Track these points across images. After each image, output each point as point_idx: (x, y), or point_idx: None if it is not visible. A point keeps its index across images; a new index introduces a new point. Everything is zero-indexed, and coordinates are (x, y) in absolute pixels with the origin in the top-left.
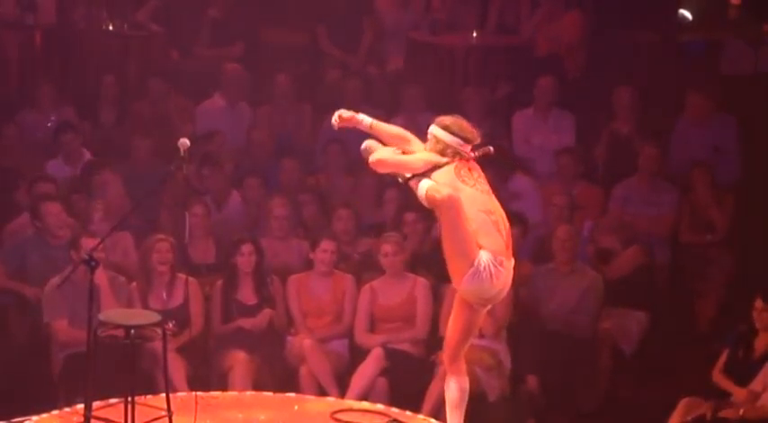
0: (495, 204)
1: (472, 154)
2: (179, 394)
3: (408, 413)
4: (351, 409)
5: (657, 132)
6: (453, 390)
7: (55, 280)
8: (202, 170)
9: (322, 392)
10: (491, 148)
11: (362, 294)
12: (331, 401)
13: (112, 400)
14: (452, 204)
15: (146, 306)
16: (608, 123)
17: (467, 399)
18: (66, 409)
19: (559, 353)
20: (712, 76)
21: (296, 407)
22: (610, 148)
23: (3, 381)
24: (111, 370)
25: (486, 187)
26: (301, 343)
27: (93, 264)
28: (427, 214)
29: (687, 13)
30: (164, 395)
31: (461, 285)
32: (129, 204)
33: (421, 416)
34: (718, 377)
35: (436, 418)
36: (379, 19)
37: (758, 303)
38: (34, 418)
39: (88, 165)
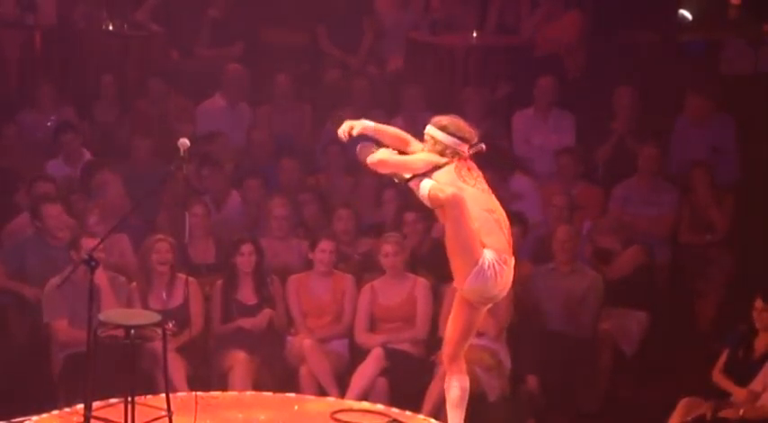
0: (495, 203)
1: (468, 151)
2: (179, 394)
3: (408, 413)
4: (351, 410)
5: (657, 132)
6: (454, 389)
7: (55, 280)
8: (202, 170)
9: (322, 392)
10: (483, 146)
11: (362, 294)
12: (331, 401)
13: (112, 400)
14: (457, 203)
15: (145, 306)
16: (608, 123)
17: (467, 398)
18: (66, 409)
19: (559, 353)
20: (712, 76)
21: (296, 407)
22: (611, 148)
23: (3, 381)
24: (111, 370)
25: (486, 186)
26: (301, 343)
27: (93, 264)
28: (427, 214)
29: (687, 13)
30: (164, 395)
31: (465, 284)
32: (129, 204)
33: (421, 416)
34: (718, 377)
35: (436, 418)
36: (379, 19)
37: (758, 303)
38: (34, 418)
39: (88, 165)
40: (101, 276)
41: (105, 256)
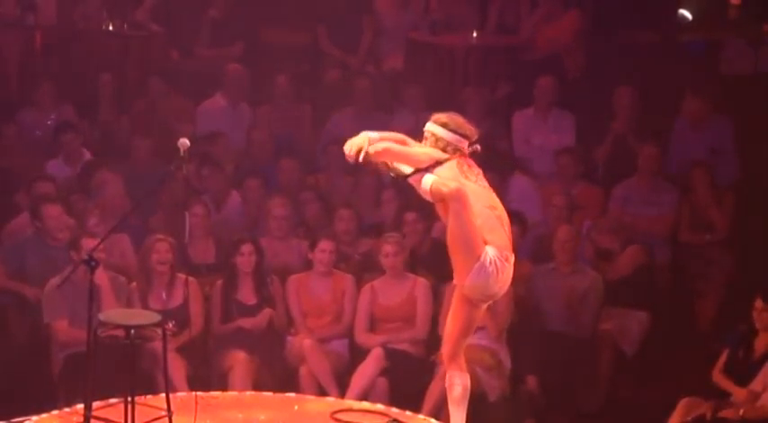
0: (496, 200)
1: (468, 149)
2: (179, 394)
3: (408, 413)
4: (351, 409)
5: (657, 132)
6: (455, 387)
7: (55, 280)
8: (202, 170)
9: (322, 392)
10: (478, 147)
11: (363, 294)
12: (331, 401)
13: (112, 400)
14: (459, 197)
15: (145, 306)
16: (608, 123)
17: (468, 396)
18: (66, 409)
19: (559, 353)
20: (712, 76)
21: (296, 407)
22: (610, 148)
23: (3, 381)
24: (111, 370)
25: (486, 183)
26: (301, 343)
27: (93, 264)
28: (427, 214)
29: (687, 13)
30: (164, 395)
31: (467, 280)
32: (129, 204)
33: (421, 416)
34: (719, 377)
35: (436, 418)
36: (378, 19)
37: (758, 303)
38: (34, 418)
39: (87, 165)
40: (101, 276)
41: (106, 257)
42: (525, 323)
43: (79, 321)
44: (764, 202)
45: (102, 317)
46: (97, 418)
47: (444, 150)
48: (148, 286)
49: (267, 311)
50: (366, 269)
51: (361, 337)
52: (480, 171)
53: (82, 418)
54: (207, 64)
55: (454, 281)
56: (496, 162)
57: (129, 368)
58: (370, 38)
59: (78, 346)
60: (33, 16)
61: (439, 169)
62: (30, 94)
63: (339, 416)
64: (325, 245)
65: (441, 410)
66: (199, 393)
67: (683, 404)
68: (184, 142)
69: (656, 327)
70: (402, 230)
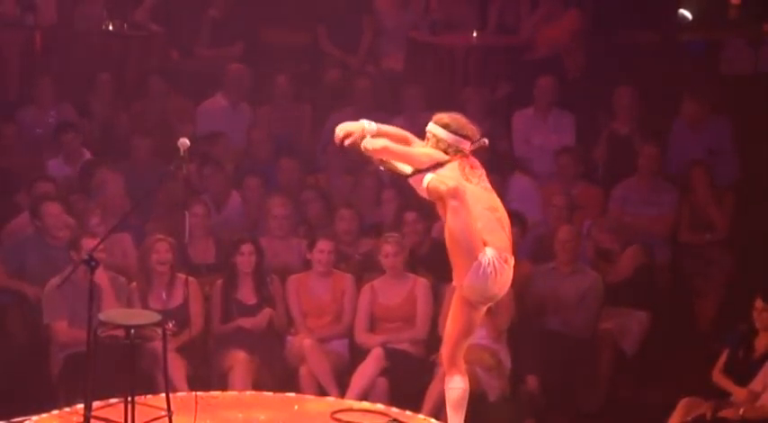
0: (497, 202)
1: (471, 147)
2: (179, 394)
3: (408, 413)
4: (351, 409)
5: (657, 132)
6: (454, 390)
7: (55, 280)
8: (204, 170)
9: (322, 392)
10: (486, 141)
11: (363, 294)
12: (331, 401)
13: (112, 400)
14: (456, 195)
15: (145, 306)
16: (608, 123)
17: (467, 399)
18: (66, 409)
19: (560, 353)
20: (712, 76)
21: (296, 407)
22: (609, 148)
23: (3, 381)
24: (111, 370)
25: (488, 185)
26: (301, 343)
27: (93, 264)
28: (427, 214)
29: (687, 13)
30: (164, 395)
31: (465, 281)
32: (129, 204)
33: (421, 416)
34: (719, 377)
35: (436, 418)
36: (378, 19)
37: (758, 303)
38: (34, 418)
39: (87, 164)
40: (102, 277)
41: (106, 257)
42: (525, 323)
43: (79, 321)
44: (764, 202)
45: (102, 317)
46: (97, 418)
47: (446, 152)
48: (148, 286)
49: (267, 311)
50: (366, 269)
51: (362, 336)
52: (483, 172)
53: (82, 418)
54: (207, 64)
55: (453, 282)
56: (496, 162)
57: (129, 368)
58: (370, 38)
59: (78, 346)
60: (33, 16)
61: (440, 171)
62: (30, 93)
63: (339, 416)
64: (323, 245)
65: (441, 410)
66: (199, 393)
67: (683, 404)
68: (184, 142)
69: (656, 327)
70: (402, 230)
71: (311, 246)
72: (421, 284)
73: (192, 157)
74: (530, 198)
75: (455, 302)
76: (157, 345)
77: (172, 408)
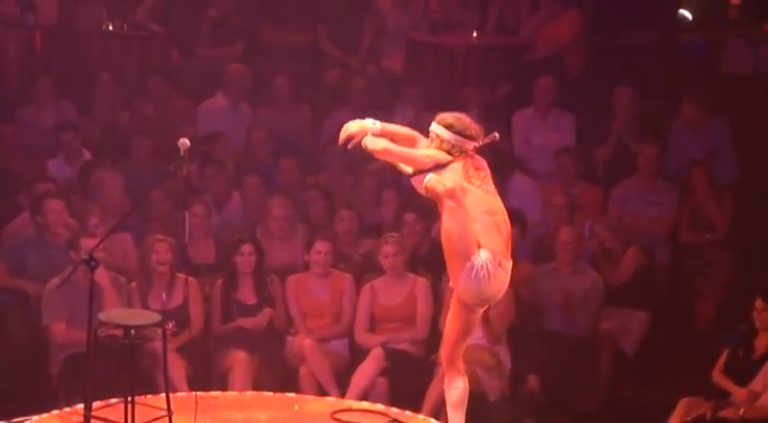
0: (498, 205)
1: (479, 143)
2: (179, 394)
3: (408, 413)
4: (351, 409)
5: (657, 132)
6: (453, 390)
7: (55, 281)
8: (206, 170)
9: (322, 392)
10: (496, 135)
11: (363, 294)
12: (331, 401)
13: (112, 400)
14: (452, 196)
15: (145, 306)
16: (608, 123)
17: (466, 399)
18: (67, 409)
19: (560, 353)
20: (712, 76)
21: (296, 407)
22: (610, 148)
23: (3, 381)
24: (111, 370)
25: (491, 187)
26: (301, 343)
27: (93, 264)
28: (427, 214)
29: (687, 13)
30: (164, 395)
31: (459, 282)
32: (129, 204)
33: (421, 416)
34: (719, 377)
35: (436, 418)
36: (379, 19)
37: (758, 303)
38: (34, 418)
39: (87, 164)
40: (103, 277)
41: (106, 256)
42: (525, 323)
43: (79, 322)
44: (764, 202)
45: (102, 317)
46: (97, 418)
47: (449, 152)
48: (148, 286)
49: (267, 311)
50: (366, 269)
51: (362, 337)
52: (488, 173)
53: (82, 418)
54: (207, 64)
55: (450, 283)
56: (497, 162)
57: (129, 368)
58: (371, 38)
59: (77, 347)
60: (33, 16)
61: (444, 172)
62: (30, 93)
63: (339, 416)
64: (320, 246)
65: (440, 410)
66: (199, 393)
67: (683, 404)
68: (184, 142)
69: (656, 327)
70: (402, 231)
71: (309, 247)
72: (421, 284)
73: (194, 157)
74: (530, 198)
75: (453, 304)
76: (157, 345)
77: (172, 408)
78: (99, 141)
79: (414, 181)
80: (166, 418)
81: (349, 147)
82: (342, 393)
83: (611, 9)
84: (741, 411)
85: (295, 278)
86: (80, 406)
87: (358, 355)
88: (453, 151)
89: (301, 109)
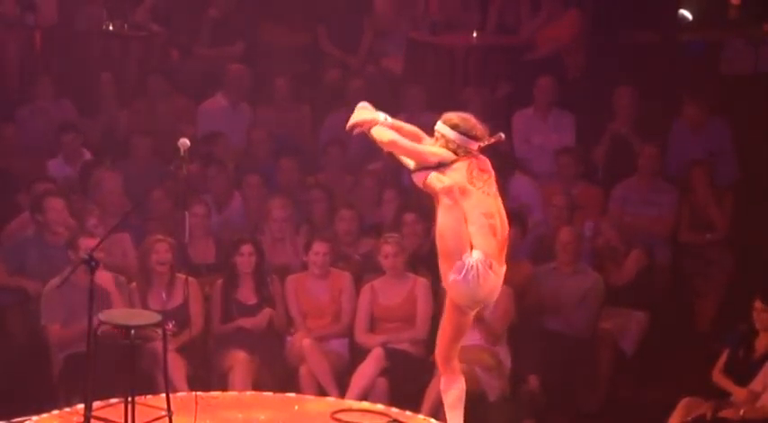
0: (496, 208)
1: (484, 144)
2: (179, 394)
3: (408, 413)
4: (351, 409)
5: (657, 132)
6: (450, 391)
7: (54, 281)
8: (208, 170)
9: (322, 392)
10: (502, 136)
11: (363, 294)
12: (331, 401)
13: (112, 400)
14: (450, 193)
15: (145, 306)
16: (608, 123)
17: (464, 398)
18: (67, 409)
19: (560, 353)
20: (712, 76)
21: (296, 407)
22: (610, 148)
23: (3, 381)
24: (111, 370)
25: (493, 190)
26: (301, 343)
27: (93, 264)
28: (427, 214)
29: (687, 13)
30: (164, 395)
31: (449, 280)
32: (128, 204)
33: (421, 416)
34: (719, 377)
35: (436, 418)
36: (378, 19)
37: (757, 304)
38: (34, 418)
39: (86, 164)
40: (106, 277)
41: (105, 256)
42: (525, 323)
43: (78, 323)
44: (764, 202)
45: (102, 317)
46: (97, 418)
47: (454, 152)
48: (148, 286)
49: (267, 311)
50: (366, 270)
51: (362, 337)
52: (492, 175)
53: (82, 418)
54: (207, 64)
55: (443, 284)
56: (497, 162)
57: (129, 368)
58: (371, 38)
59: (74, 347)
60: (33, 16)
61: (448, 172)
62: (30, 94)
63: (339, 416)
64: (318, 247)
65: (440, 410)
66: (199, 393)
67: (683, 404)
68: (185, 142)
69: (656, 327)
70: (401, 231)
71: (307, 248)
72: (421, 284)
73: (195, 157)
74: (530, 198)
75: (446, 307)
76: (157, 345)
77: (172, 408)
78: (99, 141)
79: (415, 176)
80: (166, 419)
81: (354, 132)
82: (342, 393)
83: (611, 9)
84: (741, 411)
85: (294, 278)
86: (80, 406)
87: (358, 355)
88: (458, 151)
89: (301, 109)
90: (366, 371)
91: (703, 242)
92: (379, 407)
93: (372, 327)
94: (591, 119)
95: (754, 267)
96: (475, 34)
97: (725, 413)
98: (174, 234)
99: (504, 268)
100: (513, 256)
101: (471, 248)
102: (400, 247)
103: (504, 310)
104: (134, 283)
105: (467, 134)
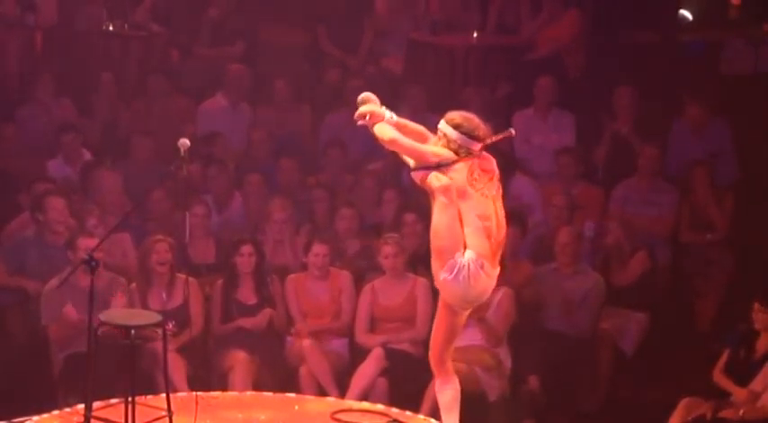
0: (494, 210)
1: (492, 140)
2: (179, 394)
3: (408, 413)
4: (351, 410)
5: (657, 132)
6: (445, 392)
7: (54, 281)
8: (209, 171)
9: (322, 393)
10: (512, 131)
11: (363, 294)
12: (331, 402)
13: (112, 401)
14: (446, 192)
15: (145, 306)
16: (608, 123)
17: (459, 399)
18: (67, 409)
19: (560, 353)
20: (712, 77)
21: (296, 407)
22: (610, 148)
23: (3, 381)
24: (112, 370)
25: (494, 191)
26: (301, 343)
27: (93, 264)
28: (427, 215)
29: (687, 13)
30: (164, 395)
31: (439, 280)
32: (128, 204)
33: (421, 416)
34: (719, 377)
35: (436, 418)
36: (379, 19)
37: (756, 306)
38: (34, 418)
39: (87, 164)
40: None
41: (104, 256)
42: (526, 323)
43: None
44: (764, 202)
45: (102, 317)
46: (97, 418)
47: (456, 152)
48: (148, 286)
49: (267, 311)
50: (366, 271)
51: (362, 337)
52: (495, 174)
53: (82, 418)
54: (207, 64)
55: (435, 284)
56: (497, 162)
57: (129, 368)
58: (371, 38)
59: (74, 347)
60: (34, 16)
61: (448, 173)
62: (30, 94)
63: (339, 416)
64: (318, 249)
65: (440, 410)
66: (199, 393)
67: (683, 404)
68: (185, 142)
69: (657, 327)
70: (402, 231)
71: (307, 249)
72: (421, 285)
73: (196, 157)
74: (530, 198)
75: (439, 308)
76: (158, 345)
77: (172, 408)
78: (99, 141)
79: (414, 174)
80: (167, 419)
81: (359, 123)
82: (342, 393)
83: (611, 9)
84: (741, 412)
85: (294, 277)
86: (80, 406)
87: (358, 355)
88: (460, 152)
89: (301, 109)
90: (366, 371)
91: (703, 242)
92: (380, 407)
93: (372, 327)
94: (591, 119)
95: (754, 267)
96: (475, 34)
97: (725, 413)
98: (175, 234)
99: (497, 270)
100: (514, 256)
101: (465, 248)
102: (400, 248)
103: (506, 311)
104: (134, 284)
105: (469, 134)
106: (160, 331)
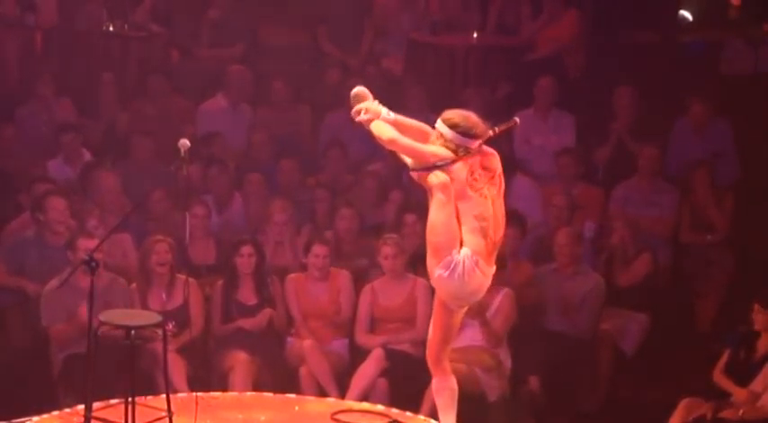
0: (492, 211)
1: (497, 131)
2: (179, 395)
3: (408, 414)
4: (351, 410)
5: (657, 133)
6: (441, 392)
7: (54, 282)
8: (209, 171)
9: (322, 393)
10: (517, 120)
11: (363, 295)
12: (331, 402)
13: (112, 401)
14: (444, 189)
15: (145, 307)
16: (608, 123)
17: (456, 399)
18: (67, 410)
19: (560, 353)
20: (712, 77)
21: (296, 407)
22: (610, 148)
23: (3, 381)
24: (112, 370)
25: (494, 190)
26: (301, 343)
27: (93, 264)
28: (426, 215)
29: (687, 14)
30: (164, 396)
31: (435, 277)
32: (128, 204)
33: (421, 416)
34: (719, 377)
35: (436, 419)
36: (379, 19)
37: (756, 306)
38: (34, 418)
39: (87, 165)
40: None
41: (104, 257)
42: (526, 324)
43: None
44: (764, 202)
45: (102, 317)
46: (97, 418)
47: (454, 152)
48: (148, 287)
49: (267, 312)
50: (367, 270)
51: (362, 337)
52: (497, 171)
53: (82, 419)
54: (207, 64)
55: (431, 281)
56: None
57: (129, 369)
58: (371, 38)
59: (74, 347)
60: (34, 16)
61: (449, 173)
62: (30, 94)
63: (339, 416)
64: (318, 249)
65: None
66: (199, 394)
67: (683, 404)
68: (185, 143)
69: (657, 327)
70: (402, 232)
71: (307, 249)
72: (421, 285)
73: (197, 157)
74: (530, 198)
75: (434, 307)
76: (158, 345)
77: (172, 408)
78: (99, 141)
79: (413, 173)
80: (167, 419)
81: (356, 120)
82: (342, 394)
83: (611, 9)
84: (741, 412)
85: (294, 278)
86: (80, 406)
87: (358, 355)
88: (458, 151)
89: (301, 109)
90: (366, 371)
91: (704, 243)
92: (380, 407)
93: (373, 327)
94: (591, 119)
95: (755, 268)
96: (475, 34)
97: (725, 414)
98: (175, 235)
99: (492, 269)
100: (514, 256)
101: (461, 245)
102: (400, 249)
103: (507, 312)
104: (134, 284)
105: (466, 133)
106: (160, 332)
